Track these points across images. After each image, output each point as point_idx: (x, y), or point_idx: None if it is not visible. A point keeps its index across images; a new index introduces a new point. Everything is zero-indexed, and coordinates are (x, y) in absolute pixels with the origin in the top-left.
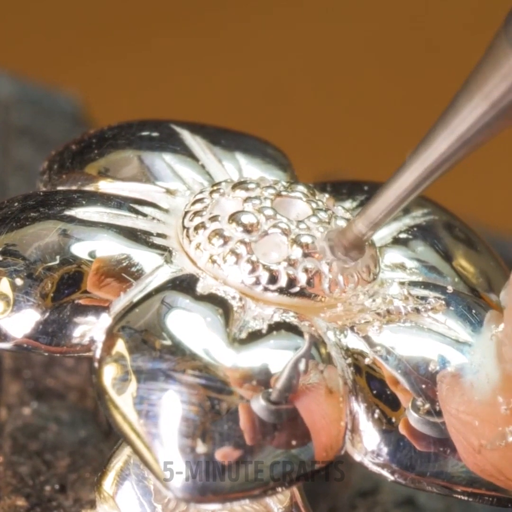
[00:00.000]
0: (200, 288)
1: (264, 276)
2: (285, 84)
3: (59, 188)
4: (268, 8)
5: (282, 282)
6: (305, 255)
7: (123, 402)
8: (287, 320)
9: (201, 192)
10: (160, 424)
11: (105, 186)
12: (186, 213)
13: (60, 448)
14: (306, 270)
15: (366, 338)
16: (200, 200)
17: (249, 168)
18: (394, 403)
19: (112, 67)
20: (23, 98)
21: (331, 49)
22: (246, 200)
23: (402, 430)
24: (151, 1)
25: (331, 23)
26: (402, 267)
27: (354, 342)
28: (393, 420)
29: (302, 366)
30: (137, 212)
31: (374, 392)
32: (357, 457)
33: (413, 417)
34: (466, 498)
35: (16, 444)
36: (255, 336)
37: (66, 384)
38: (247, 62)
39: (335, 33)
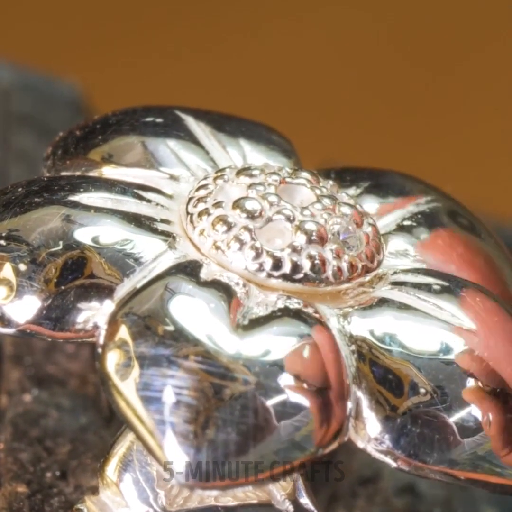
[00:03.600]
0: (204, 274)
1: (268, 262)
2: (288, 72)
3: (63, 173)
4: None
5: (286, 268)
6: (309, 241)
7: (127, 388)
8: (291, 306)
9: (205, 178)
10: (163, 410)
11: (109, 171)
12: (190, 199)
13: (61, 434)
14: (310, 257)
15: (370, 325)
16: (204, 186)
17: (254, 154)
18: (397, 390)
19: (114, 55)
20: (24, 86)
21: (336, 36)
22: (250, 186)
23: (405, 416)
24: None
25: (332, 12)
26: (406, 254)
27: (357, 328)
28: (397, 407)
29: None
30: (141, 197)
31: (377, 379)
32: (361, 444)
33: (415, 404)
34: (470, 485)
35: (17, 430)
36: (258, 322)
37: (66, 371)
38: (250, 50)
39: (337, 22)
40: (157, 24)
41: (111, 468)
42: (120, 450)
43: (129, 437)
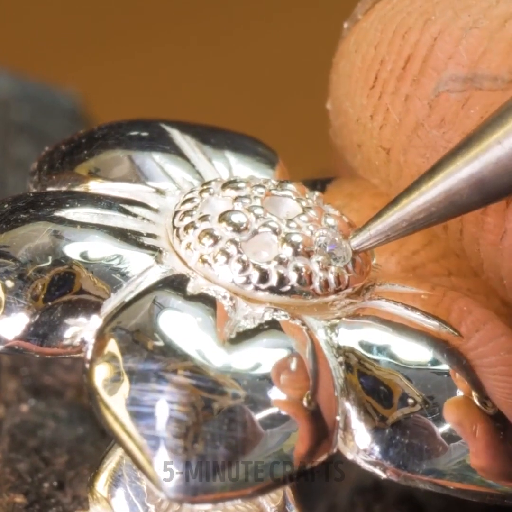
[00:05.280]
0: (191, 288)
1: (255, 275)
2: (281, 82)
3: (49, 189)
4: (265, 6)
5: (273, 281)
6: (296, 253)
7: (115, 403)
8: (278, 319)
9: (191, 191)
10: (152, 425)
11: (95, 186)
12: (176, 213)
13: (58, 445)
14: (296, 269)
15: (357, 336)
16: (190, 200)
17: (240, 166)
18: (386, 401)
19: (112, 64)
20: (23, 95)
21: (325, 45)
22: (236, 199)
23: (394, 427)
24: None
25: (325, 20)
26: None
27: (345, 340)
28: (385, 417)
29: None
30: (127, 212)
31: (366, 389)
32: (350, 456)
33: (404, 415)
34: (459, 495)
35: (14, 441)
36: (246, 336)
37: (63, 382)
38: (246, 61)
39: (330, 30)
40: (154, 32)
41: (101, 483)
42: (109, 465)
43: (119, 451)
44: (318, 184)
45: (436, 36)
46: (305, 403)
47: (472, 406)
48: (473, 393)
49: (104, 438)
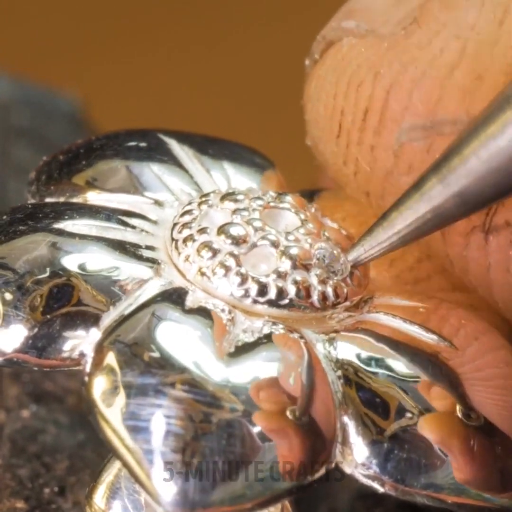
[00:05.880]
0: (190, 302)
1: (253, 288)
2: (283, 90)
3: (48, 199)
4: (266, 13)
5: (272, 294)
6: (294, 267)
7: (113, 417)
8: (277, 332)
9: (189, 203)
10: (150, 439)
11: (94, 197)
12: (174, 225)
13: (59, 451)
14: (295, 282)
15: (355, 349)
16: (188, 212)
17: (237, 177)
18: (383, 414)
19: (112, 68)
20: (23, 100)
21: None
22: (235, 211)
23: (392, 440)
24: (151, 3)
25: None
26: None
27: (343, 353)
28: (383, 429)
29: None
30: (125, 224)
31: (364, 402)
32: (348, 470)
33: (402, 427)
34: (457, 509)
35: (15, 446)
36: (244, 349)
37: (64, 388)
38: (247, 65)
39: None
40: (155, 36)
41: (99, 496)
42: (107, 477)
43: (117, 464)
44: (315, 194)
45: (388, 89)
46: (304, 417)
47: (454, 420)
48: (457, 407)
49: (105, 444)
